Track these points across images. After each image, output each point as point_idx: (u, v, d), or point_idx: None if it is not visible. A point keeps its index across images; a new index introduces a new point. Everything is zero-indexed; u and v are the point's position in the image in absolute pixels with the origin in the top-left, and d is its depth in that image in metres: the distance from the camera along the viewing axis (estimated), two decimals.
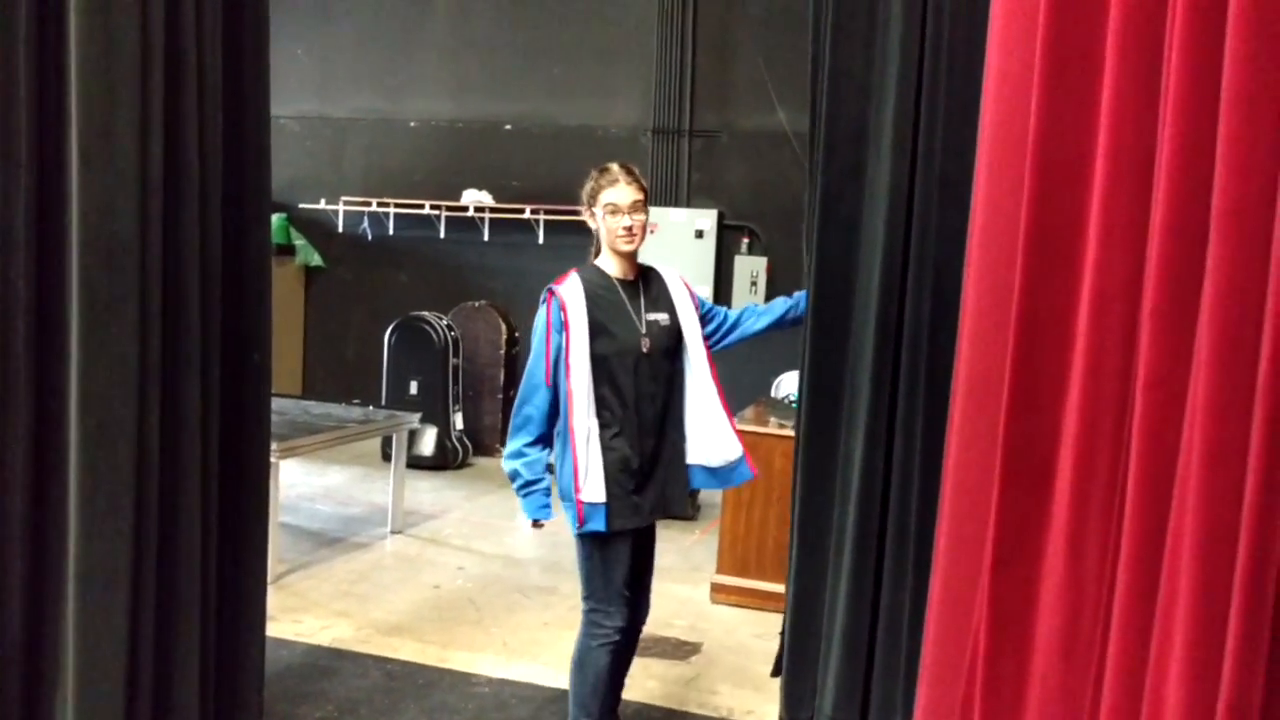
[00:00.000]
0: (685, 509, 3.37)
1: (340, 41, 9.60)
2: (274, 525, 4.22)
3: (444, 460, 8.05)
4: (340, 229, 9.61)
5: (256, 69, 3.26)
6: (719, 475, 3.30)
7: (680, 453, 3.27)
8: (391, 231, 9.47)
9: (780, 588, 4.36)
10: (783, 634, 3.57)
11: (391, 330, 8.23)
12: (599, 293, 3.21)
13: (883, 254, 3.17)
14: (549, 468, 3.24)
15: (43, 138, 2.90)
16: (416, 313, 8.27)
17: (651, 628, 4.81)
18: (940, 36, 3.08)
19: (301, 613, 4.82)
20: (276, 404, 3.55)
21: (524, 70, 9.19)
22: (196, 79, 2.98)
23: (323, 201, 9.53)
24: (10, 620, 2.96)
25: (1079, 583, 2.28)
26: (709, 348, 3.34)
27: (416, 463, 7.74)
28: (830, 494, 3.34)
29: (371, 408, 6.74)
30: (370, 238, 9.55)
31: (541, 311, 3.20)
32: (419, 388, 8.09)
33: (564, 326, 3.14)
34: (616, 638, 3.26)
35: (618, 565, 3.22)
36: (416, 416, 6.66)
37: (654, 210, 8.64)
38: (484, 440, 8.46)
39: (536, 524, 3.25)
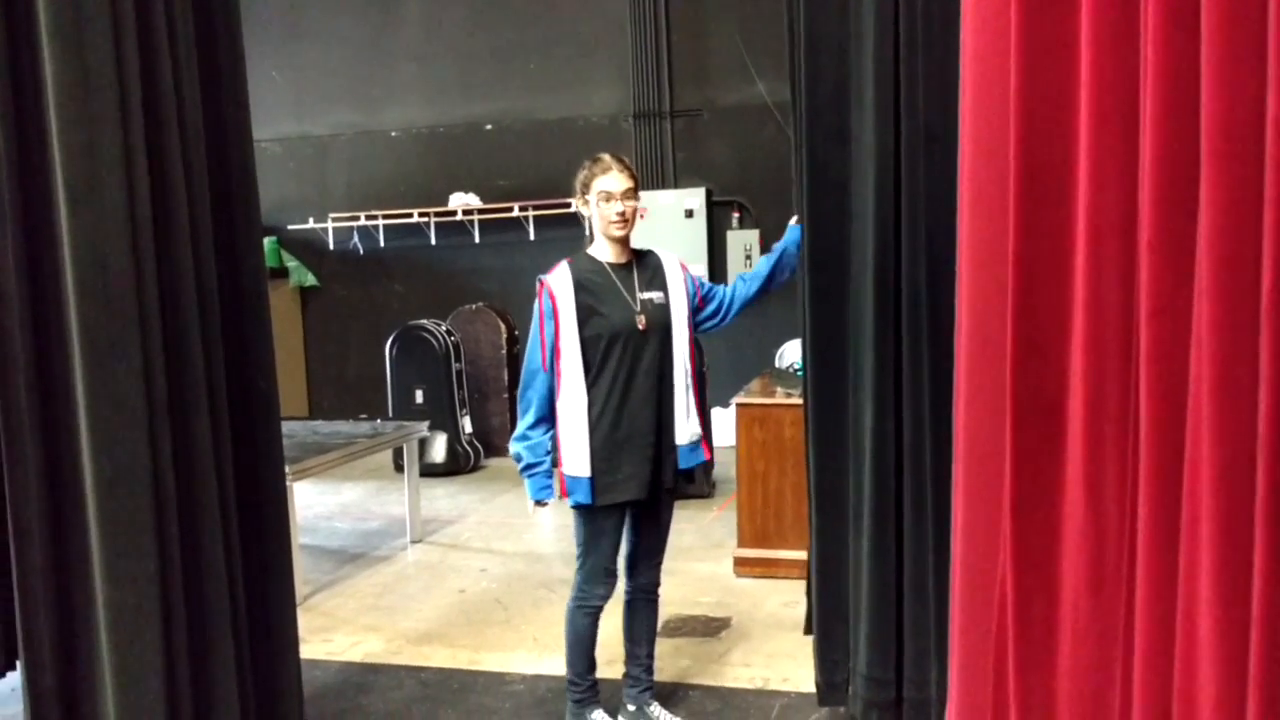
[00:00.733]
0: (676, 484, 3.50)
1: (313, 58, 9.59)
2: (295, 547, 4.23)
3: (456, 465, 8.07)
4: (331, 246, 9.62)
5: (235, 95, 3.24)
6: (680, 454, 3.47)
7: (671, 429, 3.43)
8: (382, 243, 9.48)
9: (803, 554, 4.37)
10: (809, 594, 3.63)
11: (391, 341, 8.24)
12: (588, 277, 3.38)
13: (874, 214, 3.16)
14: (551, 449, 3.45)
15: (27, 184, 2.89)
16: (415, 322, 8.28)
17: (679, 607, 4.84)
18: None
19: (331, 631, 4.83)
20: (285, 427, 3.55)
21: (500, 69, 9.19)
22: (176, 111, 2.96)
23: (311, 221, 9.54)
24: (42, 672, 2.97)
25: (1100, 518, 2.28)
26: (698, 329, 3.56)
27: (429, 470, 7.75)
28: (844, 459, 3.35)
29: (379, 421, 6.74)
30: (362, 252, 9.56)
31: (536, 303, 3.39)
32: (424, 396, 8.10)
33: (554, 313, 3.33)
34: (599, 603, 3.50)
35: (604, 538, 3.43)
36: (425, 425, 6.67)
37: (642, 194, 8.69)
38: (494, 441, 8.48)
39: (539, 504, 3.46)
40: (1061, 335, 2.37)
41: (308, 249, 9.70)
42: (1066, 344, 2.36)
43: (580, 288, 3.34)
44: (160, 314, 2.91)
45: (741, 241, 8.54)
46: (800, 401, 3.73)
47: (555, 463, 3.42)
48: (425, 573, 5.73)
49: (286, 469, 4.40)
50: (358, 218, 9.38)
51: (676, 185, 8.74)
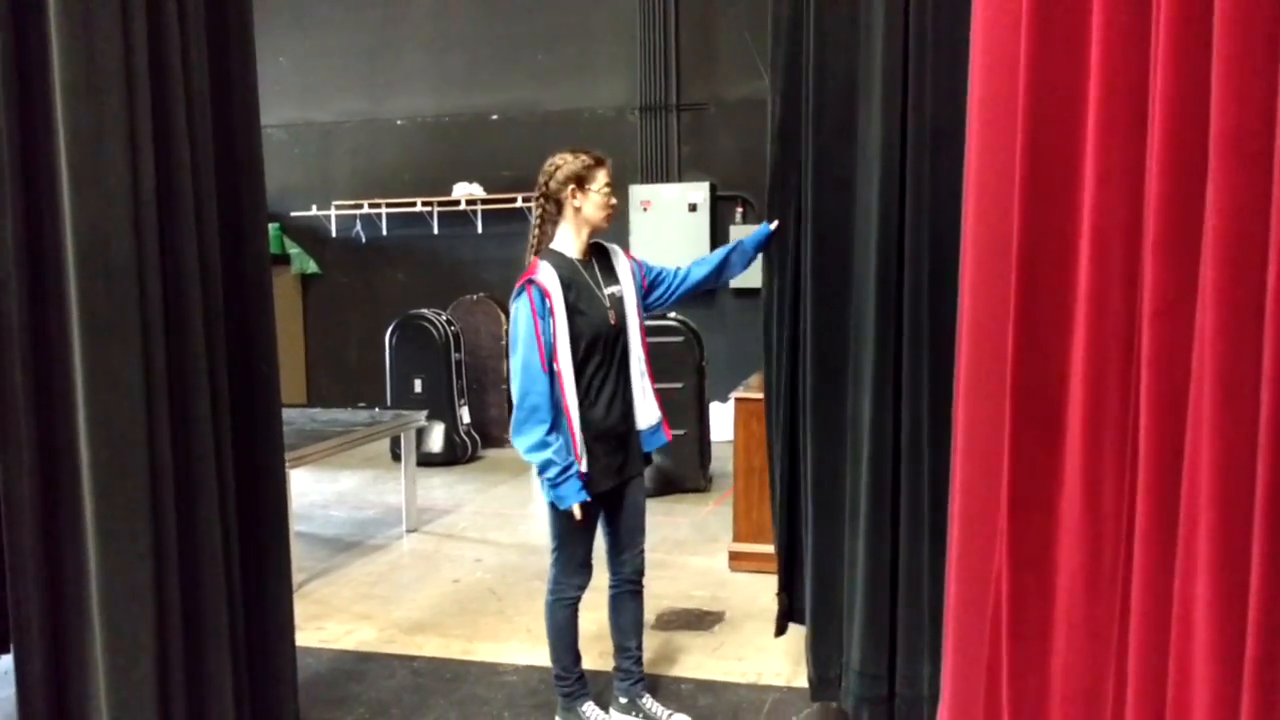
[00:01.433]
0: (642, 468, 3.59)
1: (321, 46, 9.58)
2: (290, 534, 4.22)
3: (453, 455, 8.06)
4: (333, 234, 9.61)
5: (243, 79, 3.24)
6: (643, 438, 3.52)
7: (634, 417, 3.49)
8: (385, 232, 9.47)
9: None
10: (780, 594, 3.68)
11: (392, 330, 8.24)
12: (569, 275, 3.37)
13: (879, 211, 3.15)
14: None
15: (29, 162, 2.88)
16: (415, 311, 8.27)
17: (673, 600, 4.84)
18: None
19: (324, 619, 4.83)
20: (283, 414, 3.55)
21: (507, 60, 9.17)
22: (184, 93, 2.95)
23: (314, 208, 9.53)
24: (32, 654, 2.96)
25: (1097, 519, 2.27)
26: (646, 311, 3.58)
27: (426, 460, 7.75)
28: (842, 454, 3.34)
29: (377, 409, 6.75)
30: (364, 240, 9.55)
31: (524, 303, 3.31)
32: (423, 385, 8.10)
33: (549, 313, 3.29)
34: (576, 594, 3.53)
35: (584, 533, 3.45)
36: (423, 414, 6.67)
37: (646, 187, 8.69)
38: (491, 432, 8.48)
39: (583, 508, 3.32)
40: (1063, 335, 2.36)
41: (310, 236, 9.69)
42: (1068, 344, 2.36)
43: (564, 285, 3.33)
44: (162, 295, 2.91)
45: (745, 237, 8.54)
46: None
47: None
48: (420, 562, 5.73)
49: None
50: (361, 205, 9.37)
51: (681, 179, 8.73)
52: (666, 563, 5.37)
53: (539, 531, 6.21)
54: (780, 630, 3.79)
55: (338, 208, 9.45)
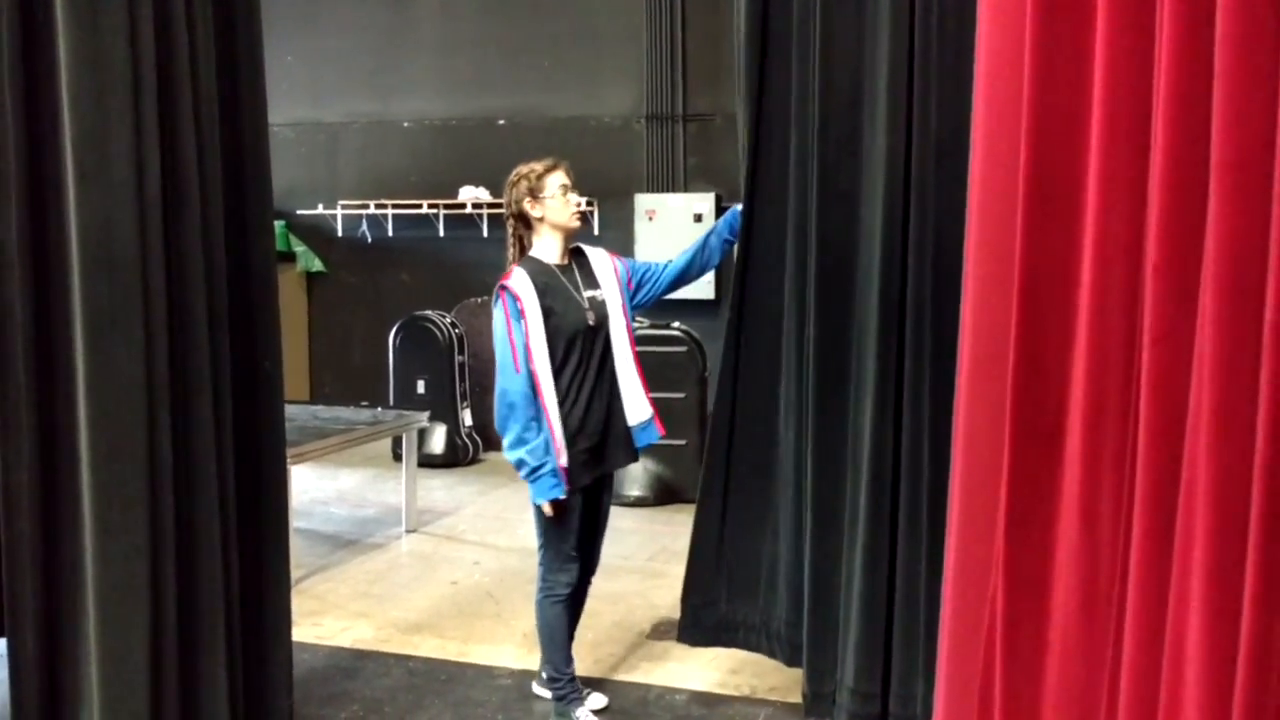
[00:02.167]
0: (626, 464, 3.79)
1: (330, 46, 9.59)
2: (290, 530, 4.23)
3: (455, 457, 8.06)
4: (340, 233, 9.62)
5: (252, 78, 3.24)
6: (635, 434, 3.66)
7: (621, 415, 3.62)
8: (391, 233, 9.48)
9: None
10: (685, 594, 3.79)
11: (396, 331, 8.24)
12: (543, 280, 3.53)
13: (882, 225, 3.17)
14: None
15: (35, 156, 2.89)
16: (420, 312, 8.28)
17: (669, 611, 4.83)
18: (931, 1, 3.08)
19: (321, 616, 4.84)
20: (285, 410, 3.57)
21: (515, 64, 9.18)
22: (191, 91, 2.96)
23: (320, 207, 9.54)
24: (25, 640, 2.97)
25: (1094, 541, 2.28)
26: (638, 309, 3.77)
27: (428, 461, 7.75)
28: (842, 468, 3.35)
29: (380, 409, 6.75)
30: (370, 240, 9.56)
31: (499, 309, 3.51)
32: (426, 386, 8.11)
33: (521, 315, 3.47)
34: (565, 592, 3.64)
35: (569, 527, 3.58)
36: (425, 415, 6.67)
37: (651, 196, 8.69)
38: (493, 435, 8.39)
39: (555, 504, 3.50)
40: (1064, 356, 2.37)
41: (316, 234, 9.70)
42: (1068, 365, 2.37)
43: (539, 290, 3.48)
44: (166, 291, 2.92)
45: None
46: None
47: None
48: (418, 562, 5.74)
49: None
50: (367, 206, 9.38)
51: (686, 189, 8.73)
52: (664, 572, 5.37)
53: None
54: (681, 638, 3.87)
55: (344, 207, 9.45)
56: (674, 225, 8.55)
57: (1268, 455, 1.87)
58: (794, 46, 3.45)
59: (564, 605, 3.65)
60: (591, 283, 3.62)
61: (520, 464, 3.47)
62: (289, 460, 4.86)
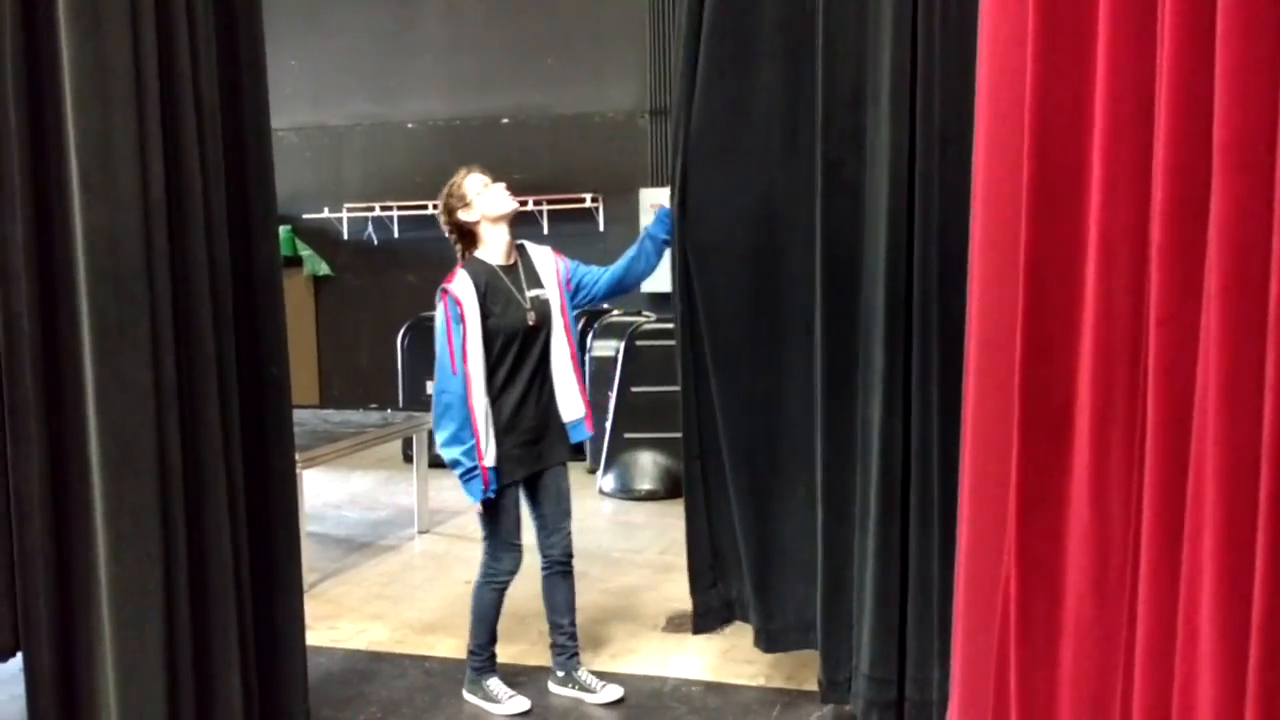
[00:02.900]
0: (565, 458, 3.92)
1: (332, 49, 9.61)
2: (303, 534, 4.25)
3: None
4: (345, 236, 9.64)
5: (254, 83, 3.26)
6: (569, 430, 3.83)
7: (557, 410, 3.78)
8: (396, 234, 9.49)
9: None
10: (693, 583, 3.85)
11: (403, 332, 8.26)
12: (486, 281, 3.67)
13: (887, 216, 3.17)
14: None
15: (39, 165, 2.90)
16: (427, 313, 8.26)
17: (683, 603, 4.81)
18: None
19: (336, 619, 4.85)
20: (295, 415, 3.59)
21: (517, 63, 9.18)
22: (193, 98, 2.97)
23: (326, 210, 9.56)
24: (41, 651, 2.99)
25: (1105, 522, 2.28)
26: (575, 309, 3.91)
27: (438, 462, 7.72)
28: (852, 458, 3.35)
29: (389, 411, 6.76)
30: (376, 242, 9.58)
31: (440, 310, 3.67)
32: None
33: (461, 319, 3.61)
34: (506, 579, 3.83)
35: (505, 515, 3.76)
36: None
37: (654, 191, 8.68)
38: None
39: (501, 495, 3.71)
40: (1071, 340, 2.37)
41: (322, 238, 9.72)
42: (1075, 349, 2.36)
43: (480, 292, 3.63)
44: (172, 298, 2.93)
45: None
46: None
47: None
48: (432, 563, 5.75)
49: (296, 456, 4.42)
50: (372, 208, 9.39)
51: None
52: (676, 565, 5.35)
53: None
54: (698, 629, 3.91)
55: (349, 210, 9.48)
56: None
57: (1276, 433, 1.86)
58: (733, 45, 3.58)
59: (501, 592, 3.84)
60: (535, 282, 3.76)
61: (455, 463, 3.63)
62: (300, 465, 4.88)
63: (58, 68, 2.79)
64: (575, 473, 4.08)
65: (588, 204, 8.84)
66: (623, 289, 3.94)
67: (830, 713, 3.67)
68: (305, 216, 9.58)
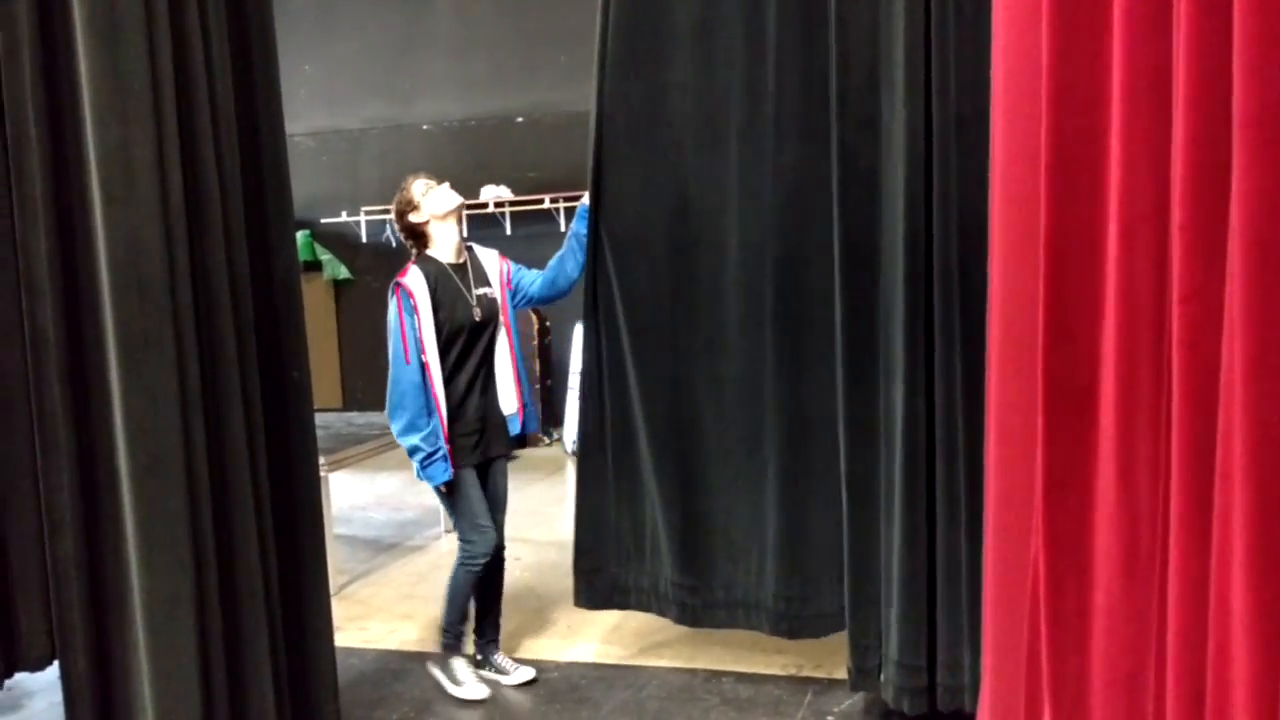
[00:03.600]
0: (506, 451, 4.08)
1: (346, 53, 9.63)
2: (330, 537, 4.28)
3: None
4: (364, 239, 9.66)
5: (268, 90, 3.27)
6: (509, 423, 4.01)
7: (498, 405, 3.96)
8: None
9: None
10: (577, 561, 4.05)
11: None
12: (436, 277, 3.87)
13: (905, 200, 3.16)
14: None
15: (60, 179, 2.93)
16: None
17: None
18: None
19: (366, 620, 4.88)
20: (320, 418, 3.63)
21: (530, 62, 9.18)
22: (209, 107, 2.99)
23: (344, 214, 9.59)
24: (76, 658, 3.02)
25: (1133, 501, 2.27)
26: (516, 310, 4.10)
27: None
28: (875, 444, 3.34)
29: None
30: (394, 245, 9.59)
31: (393, 304, 3.85)
32: None
33: (414, 311, 3.79)
34: (482, 561, 3.91)
35: (469, 497, 3.90)
36: None
37: None
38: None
39: (460, 477, 3.85)
40: (1093, 319, 2.36)
41: (341, 242, 9.75)
42: (1098, 328, 2.35)
43: (431, 287, 3.82)
44: (194, 306, 2.95)
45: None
46: None
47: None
48: None
49: (322, 460, 4.45)
50: (390, 211, 9.42)
51: None
52: None
53: None
54: (583, 604, 4.08)
55: (367, 213, 9.50)
56: None
57: None
58: (643, 45, 3.81)
59: (477, 575, 3.93)
60: (483, 281, 3.99)
61: (414, 450, 3.78)
62: (326, 468, 4.91)
63: (76, 81, 2.81)
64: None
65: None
66: (555, 290, 4.12)
67: (861, 700, 3.66)
68: (323, 221, 9.61)
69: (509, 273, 4.10)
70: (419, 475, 3.86)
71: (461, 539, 3.95)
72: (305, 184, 8.93)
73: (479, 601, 4.09)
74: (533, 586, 5.23)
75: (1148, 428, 2.25)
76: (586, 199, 3.98)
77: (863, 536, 3.40)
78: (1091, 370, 2.37)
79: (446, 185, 3.97)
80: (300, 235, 9.24)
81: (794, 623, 3.74)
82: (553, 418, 8.88)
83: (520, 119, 9.31)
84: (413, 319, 3.79)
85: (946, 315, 3.13)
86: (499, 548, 4.03)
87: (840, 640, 3.67)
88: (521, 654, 4.35)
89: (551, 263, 4.11)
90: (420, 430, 3.77)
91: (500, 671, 4.10)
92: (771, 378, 3.68)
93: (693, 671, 4.07)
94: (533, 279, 4.12)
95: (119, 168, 2.78)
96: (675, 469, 3.87)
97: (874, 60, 3.26)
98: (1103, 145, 2.30)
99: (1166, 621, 2.18)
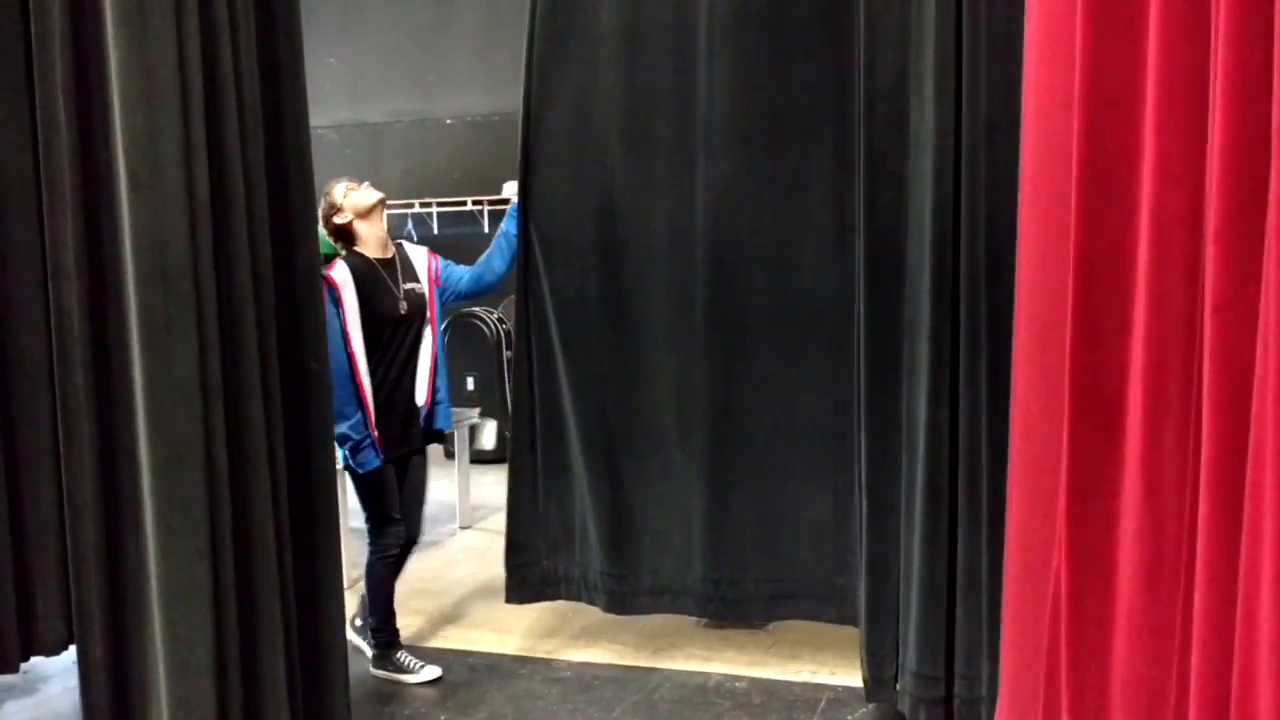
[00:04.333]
0: (428, 444, 4.29)
1: (371, 46, 9.65)
2: (345, 531, 4.28)
3: (506, 452, 8.08)
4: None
5: (293, 82, 3.27)
6: (424, 416, 4.16)
7: (419, 397, 4.10)
8: (436, 230, 9.51)
9: None
10: (508, 545, 4.25)
11: (444, 329, 8.28)
12: (362, 272, 4.00)
13: (933, 204, 3.13)
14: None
15: (88, 166, 2.94)
16: (467, 309, 8.31)
17: None
18: None
19: None
20: None
21: None
22: (236, 98, 3.00)
23: None
24: (94, 644, 3.02)
25: (1158, 514, 2.24)
26: (444, 306, 4.29)
27: (479, 457, 7.79)
28: (897, 451, 3.32)
29: None
30: (415, 239, 9.60)
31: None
32: (475, 383, 8.15)
33: (338, 302, 3.88)
34: (395, 552, 4.07)
35: (384, 490, 4.03)
36: (475, 412, 6.71)
37: None
38: None
39: (373, 473, 3.95)
40: (1122, 329, 2.33)
41: None
42: (1127, 338, 2.32)
43: (357, 280, 3.94)
44: (216, 297, 2.95)
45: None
46: None
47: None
48: (473, 558, 5.76)
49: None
50: (412, 205, 9.43)
51: None
52: None
53: None
54: (510, 599, 4.26)
55: (389, 207, 9.52)
56: None
57: None
58: (572, 50, 4.00)
59: (393, 565, 4.09)
60: (411, 276, 4.13)
61: (343, 439, 3.85)
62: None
63: (105, 72, 2.83)
64: None
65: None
66: (483, 284, 4.32)
67: (874, 710, 3.64)
68: None
69: (438, 269, 4.25)
70: (347, 464, 3.95)
71: (373, 530, 4.06)
72: (327, 177, 8.91)
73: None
74: None
75: (1175, 439, 2.22)
76: (515, 198, 4.21)
77: (881, 545, 3.37)
78: (1119, 379, 2.34)
79: (367, 184, 4.15)
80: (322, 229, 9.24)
81: (721, 604, 3.99)
82: None
83: None
84: (337, 311, 3.86)
85: (973, 322, 3.10)
86: (411, 540, 4.20)
87: (854, 648, 3.65)
88: (533, 654, 4.34)
89: (480, 259, 4.32)
90: (348, 419, 3.85)
91: (403, 670, 4.16)
92: (699, 374, 3.88)
93: (706, 675, 4.06)
94: (460, 275, 4.29)
95: (146, 156, 2.78)
96: (603, 462, 4.06)
97: (903, 63, 3.24)
98: (1136, 151, 2.27)
99: (1190, 635, 2.15)
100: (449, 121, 9.57)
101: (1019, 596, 2.61)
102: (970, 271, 3.09)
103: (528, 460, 4.23)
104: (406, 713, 3.85)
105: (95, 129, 2.92)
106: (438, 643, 4.50)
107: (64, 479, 3.03)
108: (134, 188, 2.80)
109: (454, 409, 6.60)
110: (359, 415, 3.89)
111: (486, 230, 9.27)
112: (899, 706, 3.38)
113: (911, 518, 3.24)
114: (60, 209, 2.93)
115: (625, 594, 4.10)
